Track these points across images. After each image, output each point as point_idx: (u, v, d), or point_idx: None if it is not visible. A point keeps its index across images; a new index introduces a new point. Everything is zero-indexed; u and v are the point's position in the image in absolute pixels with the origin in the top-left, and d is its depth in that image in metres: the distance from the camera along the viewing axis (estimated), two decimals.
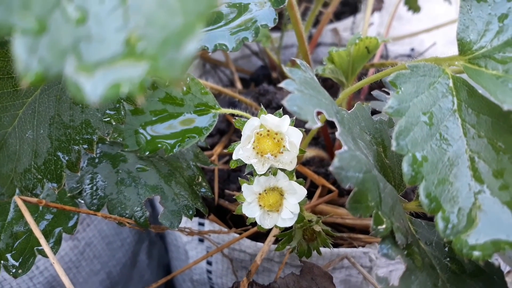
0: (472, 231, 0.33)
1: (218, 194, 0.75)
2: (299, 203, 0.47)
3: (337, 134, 0.37)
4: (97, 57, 0.22)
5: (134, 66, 0.21)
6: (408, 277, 0.38)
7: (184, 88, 0.58)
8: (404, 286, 0.37)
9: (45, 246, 0.48)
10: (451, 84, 0.41)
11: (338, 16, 1.22)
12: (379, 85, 0.68)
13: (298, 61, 0.44)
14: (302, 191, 0.47)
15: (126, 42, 0.22)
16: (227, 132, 0.88)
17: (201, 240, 0.72)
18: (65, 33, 0.22)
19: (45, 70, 0.21)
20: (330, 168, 0.34)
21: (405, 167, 0.36)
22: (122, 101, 0.51)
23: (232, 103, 0.86)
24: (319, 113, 0.39)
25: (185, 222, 0.68)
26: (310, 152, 0.75)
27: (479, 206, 0.34)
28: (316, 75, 0.68)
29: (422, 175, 0.36)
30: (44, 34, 0.22)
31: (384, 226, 0.37)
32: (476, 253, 0.33)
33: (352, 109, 0.48)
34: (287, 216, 0.47)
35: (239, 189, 0.77)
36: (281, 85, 0.37)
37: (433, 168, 0.36)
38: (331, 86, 0.96)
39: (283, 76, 1.03)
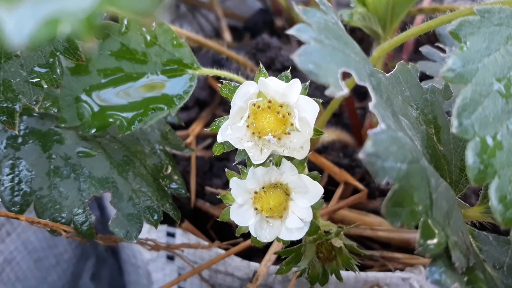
0: None
1: (196, 192, 0.75)
2: (312, 206, 0.47)
3: (370, 105, 0.36)
4: None
5: None
6: None
7: (148, 37, 0.57)
8: None
9: None
10: None
11: None
12: (430, 39, 0.67)
13: None
14: (317, 190, 0.47)
15: None
16: (210, 103, 0.87)
17: (170, 258, 0.72)
18: None
19: None
20: (360, 155, 0.33)
21: (471, 157, 0.36)
22: (57, 53, 0.50)
23: (218, 62, 0.85)
24: (345, 75, 0.38)
25: (147, 232, 0.68)
26: (329, 135, 0.75)
27: None
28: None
29: (495, 169, 0.35)
30: None
31: (435, 240, 0.37)
32: None
33: (392, 72, 0.48)
34: (294, 225, 0.47)
35: (226, 185, 0.77)
36: (291, 31, 0.36)
37: (510, 159, 0.36)
38: (360, 40, 0.94)
39: (291, 24, 1.02)
